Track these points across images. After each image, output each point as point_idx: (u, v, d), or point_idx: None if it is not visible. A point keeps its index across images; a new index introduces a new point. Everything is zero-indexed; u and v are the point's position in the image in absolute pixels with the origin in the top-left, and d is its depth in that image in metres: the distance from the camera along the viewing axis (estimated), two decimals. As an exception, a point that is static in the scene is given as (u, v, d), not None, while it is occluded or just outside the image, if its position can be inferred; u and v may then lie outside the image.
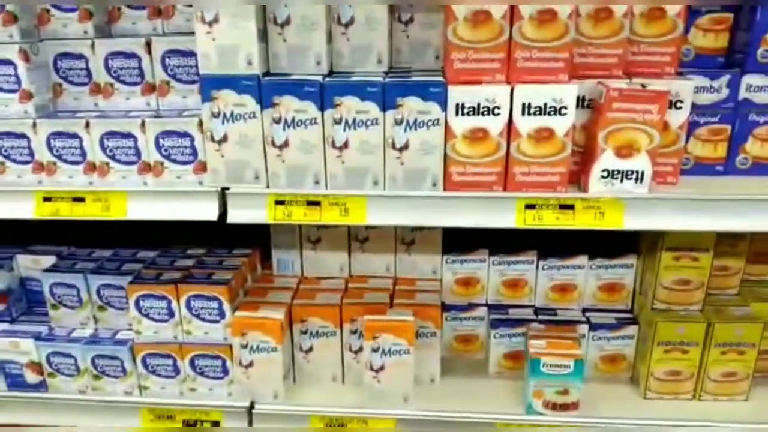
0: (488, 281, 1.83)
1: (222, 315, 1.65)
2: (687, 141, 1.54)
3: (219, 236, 1.88)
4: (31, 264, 1.90)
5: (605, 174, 1.42)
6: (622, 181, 1.42)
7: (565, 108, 1.38)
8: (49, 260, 1.86)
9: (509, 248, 1.81)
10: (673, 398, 1.70)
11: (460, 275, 1.83)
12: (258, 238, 1.88)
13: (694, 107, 1.51)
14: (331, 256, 1.84)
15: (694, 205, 1.41)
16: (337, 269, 1.85)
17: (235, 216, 1.45)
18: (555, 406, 1.62)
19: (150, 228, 1.67)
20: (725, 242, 1.69)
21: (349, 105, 1.40)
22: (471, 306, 1.85)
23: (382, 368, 1.63)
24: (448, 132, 1.41)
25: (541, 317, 1.78)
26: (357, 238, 1.82)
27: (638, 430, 1.61)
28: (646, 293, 1.73)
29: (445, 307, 1.85)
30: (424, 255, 1.82)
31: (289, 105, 1.41)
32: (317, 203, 1.43)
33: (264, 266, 1.91)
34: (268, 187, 1.46)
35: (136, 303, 1.66)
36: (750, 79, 1.52)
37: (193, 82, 1.55)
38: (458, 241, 1.82)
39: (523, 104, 1.38)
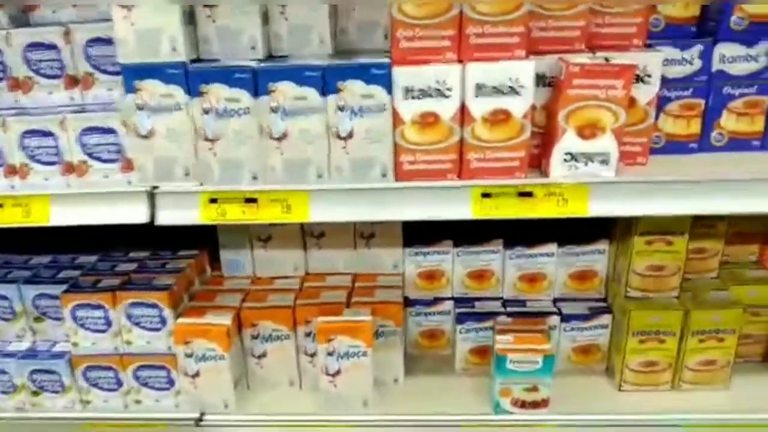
0: (453, 274, 1.72)
1: (163, 322, 1.53)
2: (657, 118, 1.43)
3: (168, 236, 1.76)
4: (-36, 273, 1.77)
5: (568, 157, 1.31)
6: (586, 164, 1.31)
7: (522, 87, 1.27)
8: (-17, 269, 1.74)
9: (474, 238, 1.70)
10: (651, 390, 1.61)
11: (424, 268, 1.72)
12: (210, 237, 1.76)
13: (664, 81, 1.39)
14: (283, 255, 1.72)
15: (666, 188, 1.30)
16: (292, 268, 1.73)
17: (164, 217, 1.33)
18: (524, 404, 1.52)
19: (94, 230, 1.54)
20: (702, 223, 1.59)
21: (286, 91, 1.27)
22: (436, 300, 1.75)
23: (338, 372, 1.52)
24: (396, 118, 1.29)
25: (509, 309, 1.68)
26: (312, 234, 1.70)
27: (613, 427, 1.52)
28: (619, 280, 1.63)
29: (408, 303, 1.74)
30: (384, 248, 1.71)
31: (219, 94, 1.28)
32: (255, 200, 1.31)
33: (214, 267, 1.79)
34: (200, 184, 1.33)
35: (72, 313, 1.54)
36: (723, 49, 1.40)
37: (119, 72, 1.40)
38: (420, 233, 1.70)
39: (476, 84, 1.26)
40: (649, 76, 1.35)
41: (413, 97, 1.28)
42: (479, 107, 1.28)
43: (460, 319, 1.67)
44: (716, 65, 1.41)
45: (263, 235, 1.70)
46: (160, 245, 1.80)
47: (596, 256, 1.67)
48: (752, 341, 1.67)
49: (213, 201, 1.32)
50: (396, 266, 1.73)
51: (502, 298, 1.73)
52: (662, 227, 1.52)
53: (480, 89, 1.27)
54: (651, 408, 1.54)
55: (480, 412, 1.55)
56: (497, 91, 1.27)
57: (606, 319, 1.64)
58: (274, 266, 1.73)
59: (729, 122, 1.45)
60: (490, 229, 1.69)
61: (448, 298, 1.74)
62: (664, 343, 1.56)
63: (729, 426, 1.51)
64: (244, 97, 1.28)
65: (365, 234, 1.69)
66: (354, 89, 1.27)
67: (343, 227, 1.69)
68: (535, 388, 1.50)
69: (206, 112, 1.29)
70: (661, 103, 1.43)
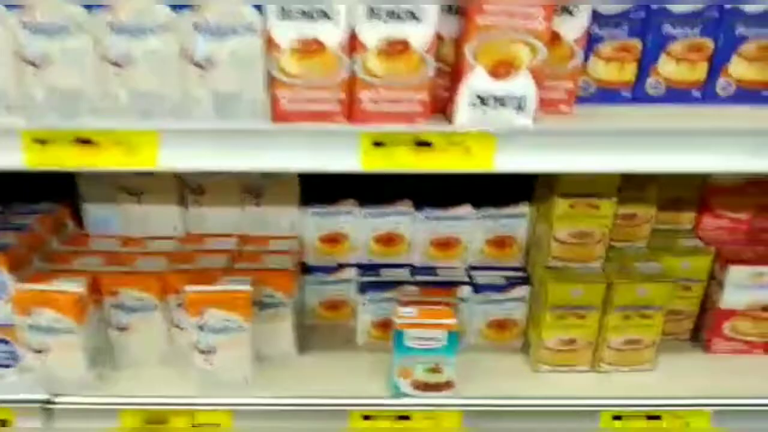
0: (358, 237, 1.51)
1: (3, 288, 1.29)
2: (587, 59, 1.23)
3: (38, 186, 1.51)
4: None
5: (476, 100, 1.10)
6: (497, 108, 1.10)
7: (424, 12, 1.04)
8: None
9: (384, 197, 1.49)
10: (569, 371, 1.44)
11: (325, 231, 1.51)
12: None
13: (596, 17, 1.19)
14: (158, 211, 1.48)
15: (589, 141, 1.10)
16: (170, 227, 1.50)
17: (-19, 160, 1.07)
18: (426, 387, 1.34)
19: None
20: (632, 186, 1.41)
21: (128, 5, 1.02)
22: (340, 267, 1.55)
23: (213, 349, 1.31)
24: (270, 43, 1.05)
25: (418, 278, 1.48)
26: (191, 189, 1.47)
27: (525, 412, 1.35)
28: (539, 248, 1.44)
29: (307, 269, 1.53)
30: (277, 207, 1.49)
31: (45, 7, 1.02)
32: (92, 141, 1.07)
33: (82, 224, 1.54)
34: (24, 120, 1.08)
35: None
36: (664, -20, 1.20)
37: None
38: (321, 190, 1.49)
39: (368, 7, 1.03)
40: (576, 7, 1.14)
41: (291, 18, 1.04)
42: (372, 35, 1.05)
43: (363, 288, 1.47)
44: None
45: (134, 188, 1.45)
46: (22, 197, 1.54)
47: (516, 221, 1.48)
48: (683, 317, 1.52)
49: (39, 141, 1.06)
50: (293, 227, 1.51)
51: (411, 265, 1.53)
52: (587, 188, 1.34)
53: (372, 12, 1.04)
54: (568, 391, 1.38)
55: (377, 395, 1.36)
56: (394, 15, 1.05)
57: (523, 290, 1.46)
58: (149, 224, 1.49)
59: (667, 68, 1.26)
60: (399, 186, 1.48)
61: (352, 265, 1.54)
62: (584, 319, 1.39)
63: (654, 411, 1.36)
64: (76, 10, 1.02)
65: (254, 189, 1.47)
66: (215, 6, 1.02)
67: (227, 182, 1.45)
68: (437, 369, 1.32)
69: (28, 27, 1.03)
70: (592, 42, 1.23)
